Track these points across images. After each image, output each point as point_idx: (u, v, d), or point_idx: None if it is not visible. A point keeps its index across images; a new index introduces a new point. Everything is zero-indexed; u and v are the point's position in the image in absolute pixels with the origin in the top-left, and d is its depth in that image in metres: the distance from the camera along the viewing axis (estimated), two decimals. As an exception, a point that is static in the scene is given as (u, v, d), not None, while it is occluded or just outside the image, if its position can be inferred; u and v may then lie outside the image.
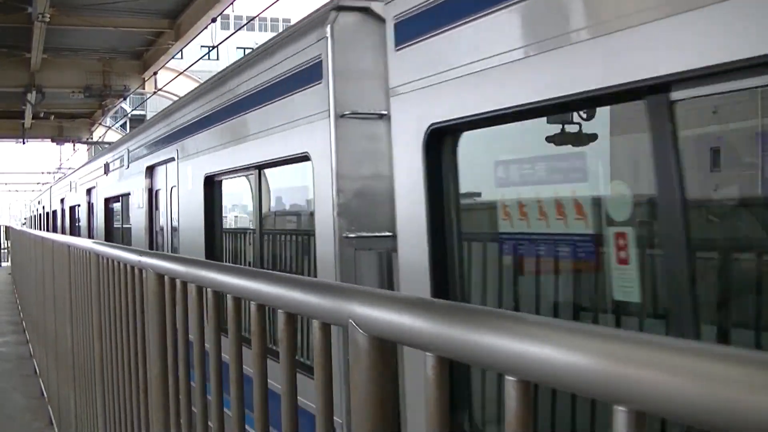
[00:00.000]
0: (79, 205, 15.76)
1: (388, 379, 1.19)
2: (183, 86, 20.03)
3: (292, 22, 5.97)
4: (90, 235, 14.18)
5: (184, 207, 7.63)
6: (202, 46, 37.25)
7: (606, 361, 0.80)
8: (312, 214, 4.68)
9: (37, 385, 8.77)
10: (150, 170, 9.54)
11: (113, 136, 27.34)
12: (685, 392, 0.72)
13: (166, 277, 2.43)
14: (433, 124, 3.19)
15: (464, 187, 3.37)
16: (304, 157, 4.65)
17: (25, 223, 39.24)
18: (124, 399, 3.14)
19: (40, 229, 23.32)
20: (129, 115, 38.98)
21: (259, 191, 5.72)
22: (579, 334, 0.86)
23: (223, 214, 7.02)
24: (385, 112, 4.03)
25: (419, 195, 3.29)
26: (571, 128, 2.97)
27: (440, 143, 3.24)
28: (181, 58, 25.64)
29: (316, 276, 3.96)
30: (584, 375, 0.82)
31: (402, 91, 3.45)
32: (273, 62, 5.16)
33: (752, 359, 0.70)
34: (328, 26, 4.22)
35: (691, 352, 0.76)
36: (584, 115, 2.91)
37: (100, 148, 21.91)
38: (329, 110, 4.23)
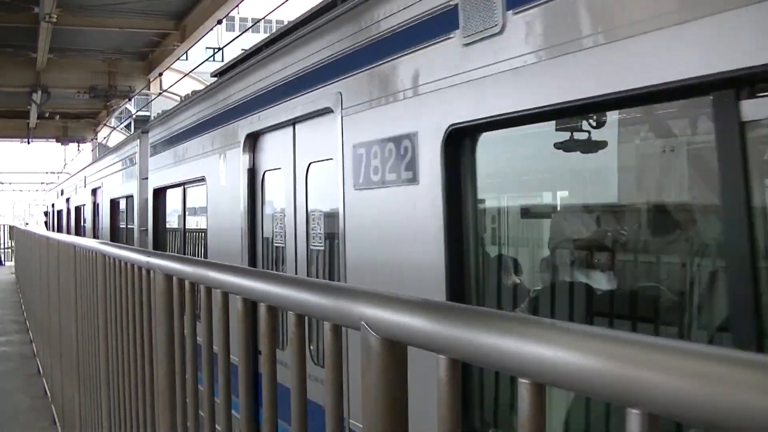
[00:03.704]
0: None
1: (400, 381, 1.20)
2: (186, 88, 20.01)
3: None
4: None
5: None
6: (207, 48, 37.32)
7: (619, 364, 0.81)
8: None
9: (41, 384, 8.79)
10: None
11: (117, 137, 27.33)
12: (698, 395, 0.73)
13: (174, 278, 2.43)
14: (155, 187, 8.65)
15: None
16: None
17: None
18: (130, 399, 3.14)
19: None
20: (134, 116, 39.07)
21: None
22: (592, 337, 0.87)
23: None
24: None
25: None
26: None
27: (159, 195, 8.66)
28: (186, 59, 25.67)
29: None
30: (597, 378, 0.83)
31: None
32: None
33: (766, 363, 0.71)
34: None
35: (704, 356, 0.76)
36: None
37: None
38: None
